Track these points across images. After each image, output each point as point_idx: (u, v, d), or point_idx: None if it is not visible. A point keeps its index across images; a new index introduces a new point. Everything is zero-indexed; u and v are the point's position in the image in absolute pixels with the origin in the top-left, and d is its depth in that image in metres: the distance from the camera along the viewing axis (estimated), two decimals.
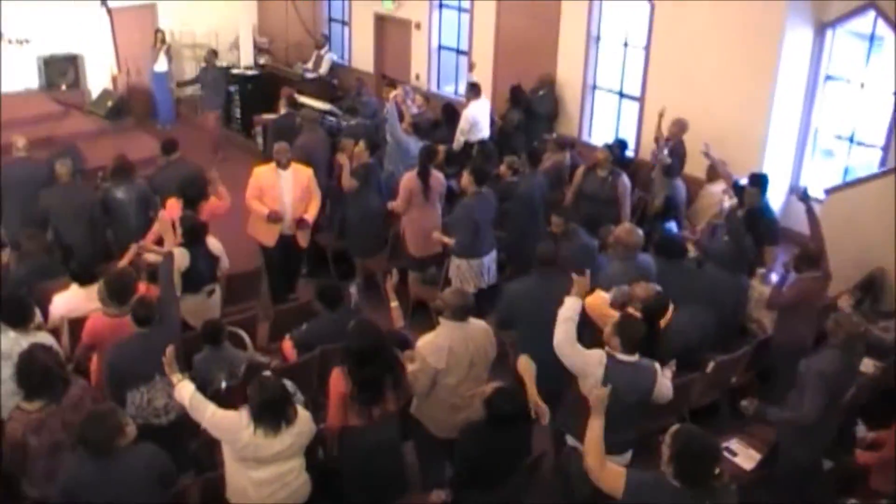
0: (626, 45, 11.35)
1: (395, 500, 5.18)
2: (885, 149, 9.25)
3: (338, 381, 5.02)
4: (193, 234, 6.76)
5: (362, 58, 15.45)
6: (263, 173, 8.06)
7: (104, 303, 5.79)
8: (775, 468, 5.58)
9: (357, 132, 9.63)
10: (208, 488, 4.93)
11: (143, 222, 7.86)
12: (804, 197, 7.00)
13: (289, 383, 5.16)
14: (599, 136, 11.64)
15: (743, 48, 9.80)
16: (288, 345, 6.24)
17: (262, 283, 8.20)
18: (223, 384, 5.55)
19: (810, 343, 6.41)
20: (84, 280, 6.44)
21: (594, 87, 11.88)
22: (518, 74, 11.92)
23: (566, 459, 5.25)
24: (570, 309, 5.10)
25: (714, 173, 9.19)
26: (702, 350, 6.52)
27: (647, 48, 10.91)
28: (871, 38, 9.36)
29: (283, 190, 8.01)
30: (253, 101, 13.83)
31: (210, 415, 4.66)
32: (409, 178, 8.18)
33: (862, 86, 9.52)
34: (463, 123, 10.63)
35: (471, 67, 11.85)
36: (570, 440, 5.21)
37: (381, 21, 14.95)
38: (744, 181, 8.08)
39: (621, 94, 11.58)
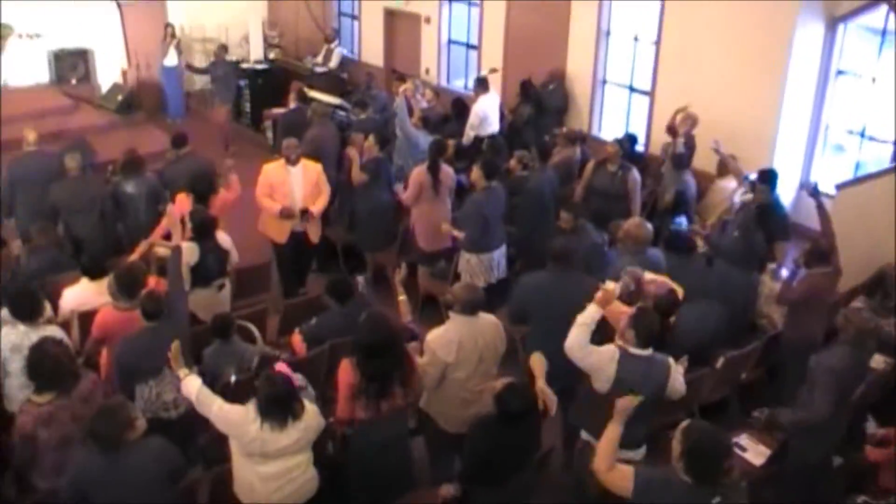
0: (636, 39, 11.32)
1: (401, 496, 5.16)
2: None
3: (346, 371, 5.00)
4: (203, 229, 6.76)
5: (372, 52, 15.43)
6: (273, 170, 8.04)
7: (114, 297, 5.79)
8: (785, 464, 5.56)
9: (367, 126, 9.60)
10: (217, 482, 4.94)
11: (153, 216, 7.85)
12: (815, 192, 6.99)
13: (300, 377, 5.17)
14: (610, 130, 11.57)
15: (754, 43, 9.76)
16: (297, 339, 6.22)
17: (273, 278, 8.20)
18: (232, 378, 5.55)
19: (820, 339, 6.38)
20: (94, 274, 6.47)
21: (604, 82, 11.85)
22: (528, 69, 11.88)
23: (580, 454, 5.21)
24: (588, 316, 5.02)
25: (725, 169, 9.16)
26: (712, 346, 6.49)
27: (658, 43, 10.87)
28: (883, 32, 9.30)
29: (294, 186, 7.99)
30: (263, 96, 13.84)
31: (217, 409, 4.66)
32: (418, 173, 8.16)
33: (873, 80, 9.47)
34: (472, 118, 10.58)
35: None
36: (584, 434, 5.17)
37: (390, 15, 14.93)
38: (754, 176, 8.05)
39: (631, 89, 11.55)
